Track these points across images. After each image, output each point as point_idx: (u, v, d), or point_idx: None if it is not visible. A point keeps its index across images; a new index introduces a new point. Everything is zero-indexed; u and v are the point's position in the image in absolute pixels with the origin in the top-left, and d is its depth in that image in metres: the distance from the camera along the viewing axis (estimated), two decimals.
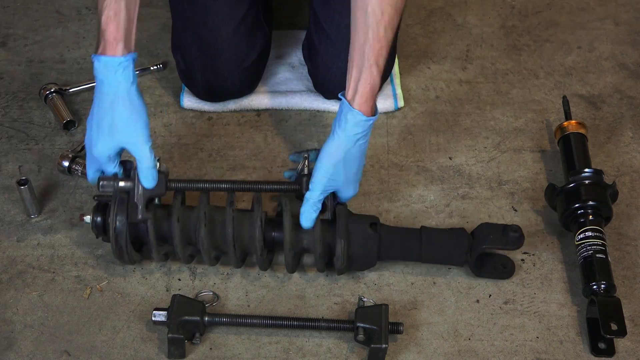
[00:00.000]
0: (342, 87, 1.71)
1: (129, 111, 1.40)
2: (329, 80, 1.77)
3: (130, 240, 1.45)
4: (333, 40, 1.73)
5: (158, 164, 1.43)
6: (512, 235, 1.48)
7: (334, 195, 1.49)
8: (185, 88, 1.86)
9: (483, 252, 1.50)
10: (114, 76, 1.38)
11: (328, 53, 1.75)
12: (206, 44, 1.73)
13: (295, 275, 1.54)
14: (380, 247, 1.48)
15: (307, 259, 1.55)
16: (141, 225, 1.45)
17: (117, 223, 1.42)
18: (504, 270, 1.54)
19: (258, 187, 1.50)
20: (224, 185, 1.49)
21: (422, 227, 1.53)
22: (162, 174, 1.44)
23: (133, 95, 1.40)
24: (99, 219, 1.47)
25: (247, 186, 1.50)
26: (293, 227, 1.46)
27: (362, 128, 1.44)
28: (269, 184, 1.51)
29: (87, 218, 1.48)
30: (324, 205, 1.47)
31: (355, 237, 1.47)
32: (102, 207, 1.48)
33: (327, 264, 1.51)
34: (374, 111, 1.46)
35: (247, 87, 1.82)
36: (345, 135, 1.44)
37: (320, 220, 1.46)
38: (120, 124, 1.40)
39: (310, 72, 1.83)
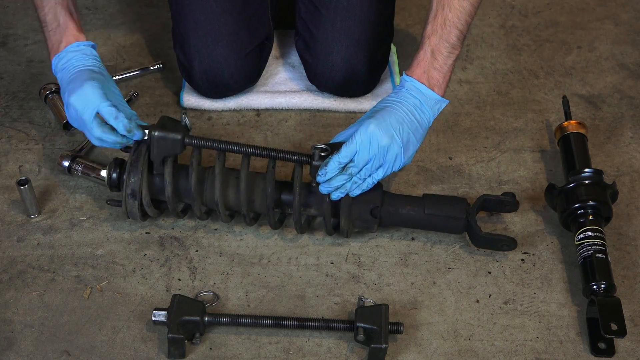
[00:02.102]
0: (342, 73, 1.73)
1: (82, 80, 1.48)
2: (330, 65, 1.77)
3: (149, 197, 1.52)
4: (331, 23, 1.73)
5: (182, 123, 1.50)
6: (506, 200, 1.56)
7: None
8: (185, 87, 1.86)
9: (481, 209, 1.57)
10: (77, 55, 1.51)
11: (327, 38, 1.75)
12: (204, 31, 1.73)
13: (295, 275, 1.54)
14: (381, 215, 1.53)
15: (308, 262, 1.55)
16: (158, 182, 1.51)
17: (132, 178, 1.48)
18: (505, 244, 1.56)
19: (274, 155, 1.50)
20: (241, 148, 1.50)
21: (424, 194, 1.57)
22: (179, 133, 1.47)
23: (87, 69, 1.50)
24: (114, 174, 1.54)
25: (264, 152, 1.50)
26: (304, 187, 1.51)
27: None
28: (284, 152, 1.51)
29: (103, 172, 1.56)
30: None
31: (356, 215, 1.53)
32: (118, 162, 1.55)
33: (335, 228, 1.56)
34: (434, 88, 1.51)
35: (246, 79, 1.81)
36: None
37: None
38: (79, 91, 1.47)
39: (307, 64, 1.83)
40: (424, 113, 1.50)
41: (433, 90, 1.50)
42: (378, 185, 1.52)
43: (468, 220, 1.53)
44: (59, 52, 1.53)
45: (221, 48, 1.73)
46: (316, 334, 1.46)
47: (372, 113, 1.50)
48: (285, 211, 1.57)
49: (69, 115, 1.50)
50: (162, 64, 1.92)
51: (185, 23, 1.74)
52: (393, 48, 1.94)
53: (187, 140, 1.48)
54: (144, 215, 1.56)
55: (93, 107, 1.45)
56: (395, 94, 1.52)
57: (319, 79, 1.81)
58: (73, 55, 1.53)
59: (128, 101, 1.83)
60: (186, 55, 1.77)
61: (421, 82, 1.50)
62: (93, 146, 1.74)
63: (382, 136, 1.45)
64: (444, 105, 1.52)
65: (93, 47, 1.56)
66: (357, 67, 1.77)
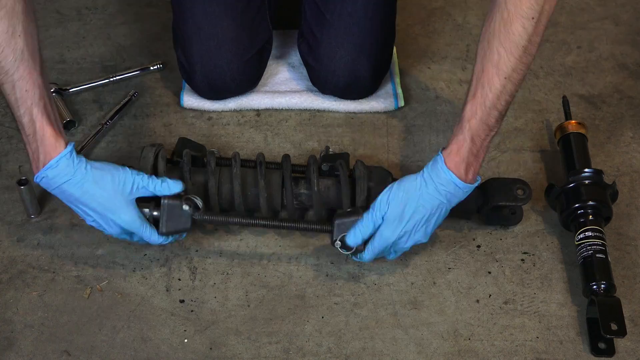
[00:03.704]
0: (345, 78, 1.71)
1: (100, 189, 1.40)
2: (333, 70, 1.77)
3: None
4: (335, 28, 1.73)
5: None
6: (519, 195, 1.55)
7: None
8: (185, 87, 1.86)
9: (493, 206, 1.56)
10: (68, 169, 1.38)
11: (331, 43, 1.74)
12: (206, 35, 1.73)
13: (295, 275, 1.54)
14: None
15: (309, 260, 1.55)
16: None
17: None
18: (512, 216, 1.60)
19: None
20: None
21: None
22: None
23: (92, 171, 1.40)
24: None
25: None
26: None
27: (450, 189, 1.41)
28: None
29: None
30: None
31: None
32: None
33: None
34: (469, 177, 1.41)
35: (248, 83, 1.82)
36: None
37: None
38: (103, 206, 1.40)
39: (310, 68, 1.82)
40: (453, 201, 1.44)
41: (468, 179, 1.41)
42: (388, 174, 1.56)
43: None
44: (39, 170, 1.38)
45: (224, 53, 1.73)
46: (316, 334, 1.46)
47: (391, 218, 1.42)
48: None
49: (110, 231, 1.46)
50: (162, 64, 1.92)
51: (187, 26, 1.74)
52: (393, 48, 1.94)
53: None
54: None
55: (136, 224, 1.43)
56: (423, 191, 1.41)
57: (322, 83, 1.82)
58: (57, 175, 1.38)
59: (128, 101, 1.83)
60: (188, 58, 1.77)
61: (459, 174, 1.40)
62: (94, 146, 1.74)
63: (404, 244, 1.46)
64: (474, 187, 1.44)
65: (71, 151, 1.38)
66: (360, 72, 1.77)
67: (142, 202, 1.44)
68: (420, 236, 1.45)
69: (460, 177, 1.40)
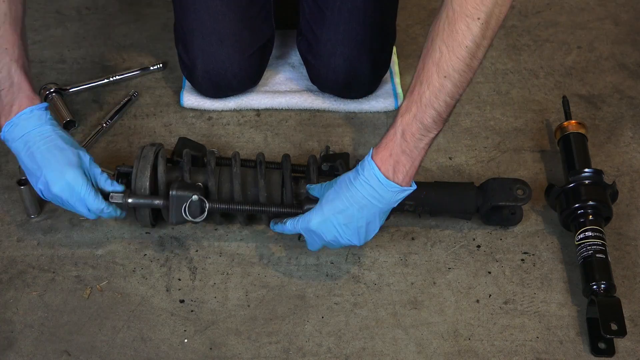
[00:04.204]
0: (345, 75, 1.70)
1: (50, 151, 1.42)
2: (332, 67, 1.76)
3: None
4: (335, 25, 1.73)
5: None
6: (519, 195, 1.55)
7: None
8: (185, 87, 1.86)
9: (492, 206, 1.56)
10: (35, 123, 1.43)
11: (330, 40, 1.74)
12: (208, 30, 1.72)
13: (295, 275, 1.54)
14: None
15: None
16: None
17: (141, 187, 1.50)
18: (512, 216, 1.60)
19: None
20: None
21: (435, 182, 1.59)
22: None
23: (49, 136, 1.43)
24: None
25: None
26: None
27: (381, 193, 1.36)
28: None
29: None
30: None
31: None
32: (123, 173, 1.54)
33: None
34: (398, 176, 1.36)
35: (249, 80, 1.81)
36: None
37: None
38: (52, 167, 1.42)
39: (309, 65, 1.82)
40: (382, 202, 1.37)
41: (397, 178, 1.35)
42: None
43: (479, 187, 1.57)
44: (10, 118, 1.41)
45: (225, 48, 1.73)
46: (316, 334, 1.46)
47: (322, 204, 1.41)
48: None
49: (50, 199, 1.46)
50: (162, 64, 1.92)
51: (189, 21, 1.73)
52: (393, 48, 1.94)
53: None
54: (155, 220, 1.58)
55: (81, 199, 1.44)
56: (351, 183, 1.38)
57: (321, 81, 1.81)
58: (28, 123, 1.42)
59: (128, 101, 1.83)
60: (189, 54, 1.76)
61: (384, 169, 1.35)
62: (94, 146, 1.74)
63: (326, 234, 1.41)
64: (407, 193, 1.37)
65: (46, 108, 1.45)
66: (360, 69, 1.77)
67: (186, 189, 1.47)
68: (344, 231, 1.40)
69: (386, 174, 1.35)
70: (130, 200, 1.47)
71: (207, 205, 1.47)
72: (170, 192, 1.46)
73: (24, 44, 1.45)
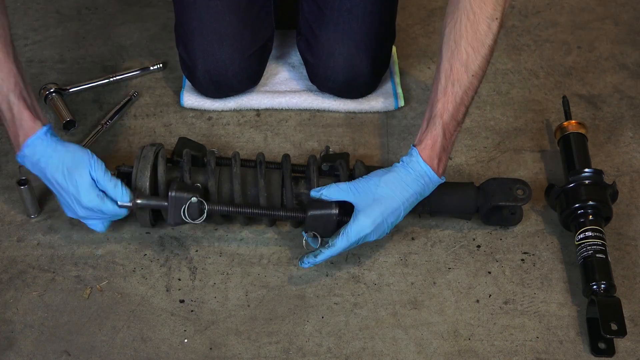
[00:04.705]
0: (344, 75, 1.70)
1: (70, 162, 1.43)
2: (331, 67, 1.77)
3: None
4: (334, 24, 1.73)
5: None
6: (519, 195, 1.55)
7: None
8: (186, 87, 1.86)
9: (492, 206, 1.56)
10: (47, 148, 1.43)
11: (329, 39, 1.74)
12: (208, 29, 1.73)
13: (295, 275, 1.54)
14: None
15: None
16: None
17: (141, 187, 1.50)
18: (512, 216, 1.60)
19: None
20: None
21: None
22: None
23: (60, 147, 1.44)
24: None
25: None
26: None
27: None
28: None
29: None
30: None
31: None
32: (123, 173, 1.54)
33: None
34: (440, 171, 1.47)
35: (249, 80, 1.81)
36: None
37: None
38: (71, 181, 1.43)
39: (308, 64, 1.82)
40: (422, 197, 1.49)
41: (439, 173, 1.47)
42: None
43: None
44: (19, 150, 1.45)
45: (226, 47, 1.73)
46: (316, 334, 1.46)
47: (371, 206, 1.45)
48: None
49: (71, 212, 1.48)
50: (162, 64, 1.92)
51: (189, 21, 1.73)
52: (393, 48, 1.94)
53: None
54: (155, 220, 1.58)
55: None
56: (406, 183, 1.46)
57: (321, 80, 1.81)
58: (34, 151, 1.44)
59: (128, 101, 1.83)
60: (189, 54, 1.77)
61: (434, 168, 1.46)
62: (94, 146, 1.74)
63: (374, 235, 1.47)
64: (440, 183, 1.50)
65: (48, 130, 1.45)
66: (359, 68, 1.77)
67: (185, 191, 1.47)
68: (389, 228, 1.48)
69: (437, 172, 1.47)
70: (139, 201, 1.47)
71: (206, 207, 1.47)
72: (169, 193, 1.46)
73: (18, 65, 1.44)
